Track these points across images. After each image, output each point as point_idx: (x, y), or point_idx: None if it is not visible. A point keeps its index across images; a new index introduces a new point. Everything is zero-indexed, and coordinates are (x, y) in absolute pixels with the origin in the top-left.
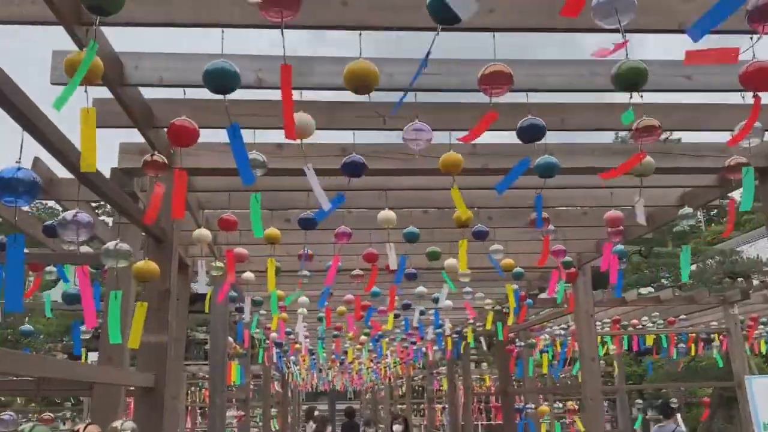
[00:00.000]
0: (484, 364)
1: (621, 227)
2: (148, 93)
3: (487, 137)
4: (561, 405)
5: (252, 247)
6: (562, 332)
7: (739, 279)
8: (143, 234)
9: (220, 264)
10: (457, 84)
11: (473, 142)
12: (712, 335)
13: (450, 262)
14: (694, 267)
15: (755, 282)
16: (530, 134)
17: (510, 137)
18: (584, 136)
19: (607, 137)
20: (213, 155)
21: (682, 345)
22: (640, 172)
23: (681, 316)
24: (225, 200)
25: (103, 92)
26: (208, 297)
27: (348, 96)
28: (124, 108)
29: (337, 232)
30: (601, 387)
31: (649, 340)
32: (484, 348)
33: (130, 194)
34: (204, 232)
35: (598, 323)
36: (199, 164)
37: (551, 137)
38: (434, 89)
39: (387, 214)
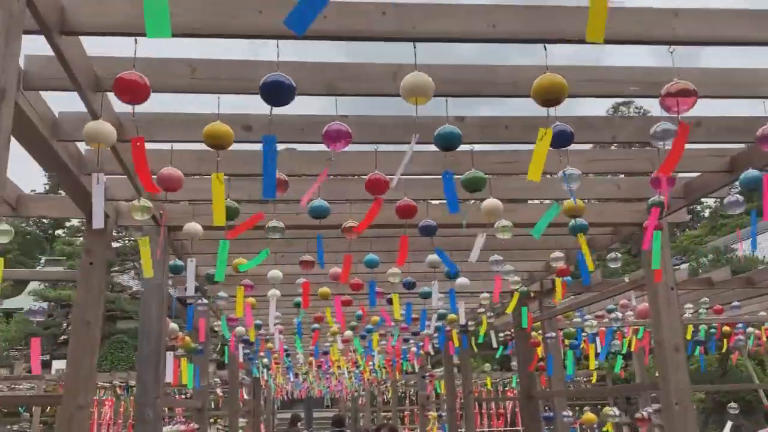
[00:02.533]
0: (487, 364)
1: None
2: None
3: None
4: (617, 412)
5: (199, 184)
6: (619, 315)
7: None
8: None
9: (146, 202)
10: None
11: None
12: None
13: (489, 202)
14: (685, 266)
15: None
16: None
17: None
18: None
19: None
20: None
21: (740, 338)
22: None
23: (733, 303)
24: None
25: None
26: (147, 259)
27: None
28: None
29: (327, 130)
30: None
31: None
32: (494, 344)
33: None
34: (104, 128)
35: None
36: None
37: None
38: None
39: (418, 77)
